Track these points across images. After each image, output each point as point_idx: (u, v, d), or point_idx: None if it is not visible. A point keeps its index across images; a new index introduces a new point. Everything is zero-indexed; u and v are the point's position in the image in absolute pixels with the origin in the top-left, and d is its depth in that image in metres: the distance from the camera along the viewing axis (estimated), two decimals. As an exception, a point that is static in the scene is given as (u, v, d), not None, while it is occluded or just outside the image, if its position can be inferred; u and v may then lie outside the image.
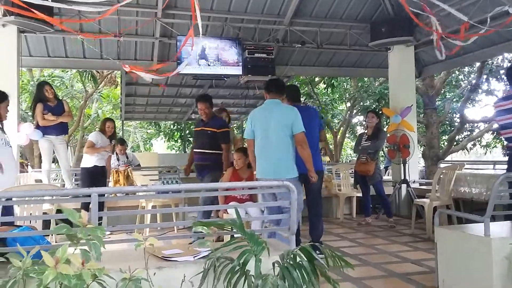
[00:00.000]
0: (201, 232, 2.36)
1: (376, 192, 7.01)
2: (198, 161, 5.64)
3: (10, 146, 3.78)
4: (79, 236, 1.96)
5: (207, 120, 5.60)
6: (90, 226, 2.00)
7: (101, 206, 5.19)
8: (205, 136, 5.55)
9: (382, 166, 9.49)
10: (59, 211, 5.56)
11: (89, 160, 6.24)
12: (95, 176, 6.18)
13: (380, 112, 9.93)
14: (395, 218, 7.29)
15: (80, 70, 13.09)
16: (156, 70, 7.23)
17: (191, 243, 3.10)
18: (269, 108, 4.35)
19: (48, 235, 3.66)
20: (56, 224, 5.16)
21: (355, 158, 7.71)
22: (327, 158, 13.98)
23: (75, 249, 1.94)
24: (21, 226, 2.52)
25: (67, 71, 15.41)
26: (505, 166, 10.79)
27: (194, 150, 5.73)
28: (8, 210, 2.95)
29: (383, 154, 8.79)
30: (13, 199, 2.84)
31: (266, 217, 4.67)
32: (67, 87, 16.23)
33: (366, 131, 7.27)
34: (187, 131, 18.86)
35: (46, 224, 4.61)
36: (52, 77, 15.28)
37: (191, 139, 19.23)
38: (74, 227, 2.02)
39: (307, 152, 4.25)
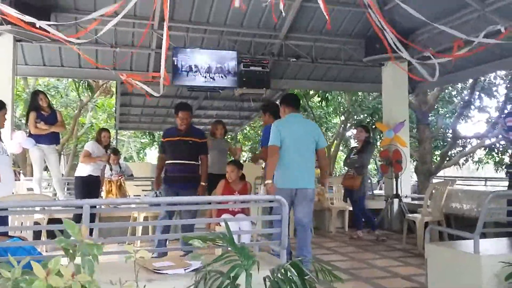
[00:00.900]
0: (192, 245, 2.37)
1: (358, 206, 7.06)
2: (176, 172, 5.21)
3: (8, 155, 3.78)
4: (77, 252, 1.95)
5: (185, 129, 5.28)
6: (88, 242, 1.98)
7: (92, 217, 5.19)
8: (185, 147, 5.23)
9: (375, 180, 9.53)
10: (50, 220, 5.54)
11: (84, 169, 6.24)
12: (89, 185, 6.18)
13: (374, 127, 10.00)
14: (386, 232, 7.31)
15: (76, 79, 13.11)
16: (153, 78, 7.22)
17: (183, 255, 3.11)
18: (297, 121, 4.66)
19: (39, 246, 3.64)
20: (52, 234, 5.11)
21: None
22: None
23: (68, 263, 1.94)
24: (13, 236, 2.52)
25: (63, 80, 15.42)
26: (496, 183, 10.89)
27: (171, 161, 5.26)
28: (2, 220, 2.94)
29: (376, 168, 8.84)
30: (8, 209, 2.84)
31: (258, 231, 4.69)
32: (62, 96, 16.22)
33: (355, 146, 7.33)
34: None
35: (37, 234, 4.59)
36: (47, 86, 15.27)
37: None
38: (66, 236, 2.01)
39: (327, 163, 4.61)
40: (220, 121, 7.00)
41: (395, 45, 5.96)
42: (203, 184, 5.29)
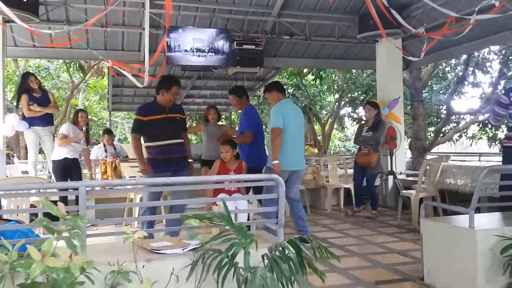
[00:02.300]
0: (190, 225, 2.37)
1: (368, 183, 7.03)
2: (168, 154, 4.63)
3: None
4: (62, 227, 1.95)
5: (169, 106, 4.71)
6: (69, 217, 1.99)
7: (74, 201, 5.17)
8: (175, 124, 4.73)
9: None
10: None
11: (60, 153, 6.18)
12: (67, 168, 6.15)
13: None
14: (381, 209, 7.38)
15: (67, 60, 12.96)
16: (139, 70, 7.05)
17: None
18: (292, 106, 5.06)
19: (37, 228, 3.64)
20: (49, 216, 5.11)
21: (343, 149, 7.73)
22: (315, 150, 14.05)
23: (57, 242, 1.93)
24: (10, 220, 2.51)
25: (53, 62, 15.24)
26: (490, 158, 10.96)
27: (160, 143, 4.64)
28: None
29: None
30: (0, 192, 2.82)
31: (255, 209, 4.71)
32: (53, 77, 16.06)
33: (364, 122, 7.27)
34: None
35: (35, 217, 4.58)
36: (38, 67, 15.09)
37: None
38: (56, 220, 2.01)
39: None
40: (213, 106, 6.93)
41: (392, 16, 5.89)
42: (191, 162, 5.06)
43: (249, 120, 5.64)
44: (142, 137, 4.78)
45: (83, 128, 6.40)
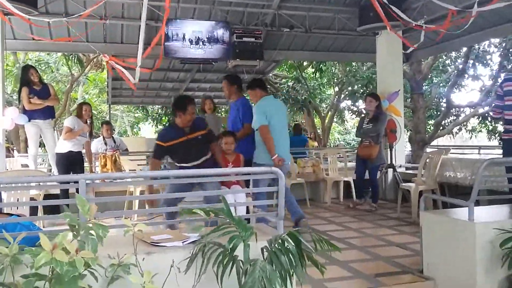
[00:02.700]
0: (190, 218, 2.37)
1: (370, 176, 7.01)
2: None
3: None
4: (83, 230, 1.94)
5: (189, 126, 4.62)
6: (95, 222, 1.98)
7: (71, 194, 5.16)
8: (196, 144, 4.64)
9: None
10: (46, 196, 5.54)
11: (64, 146, 6.17)
12: (70, 161, 6.14)
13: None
14: (381, 202, 7.38)
15: (66, 53, 12.92)
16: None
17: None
18: (274, 102, 5.32)
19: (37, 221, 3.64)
20: (49, 209, 5.12)
21: (343, 142, 7.72)
22: (315, 143, 14.04)
23: (73, 239, 1.93)
24: (11, 214, 2.51)
25: (52, 55, 15.20)
26: (490, 151, 10.96)
27: (186, 164, 4.65)
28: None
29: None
30: (1, 185, 2.82)
31: (254, 202, 4.71)
32: (52, 71, 16.02)
33: (364, 115, 7.25)
34: (175, 116, 18.70)
35: (34, 210, 4.59)
36: (38, 61, 15.06)
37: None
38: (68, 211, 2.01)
39: None
40: (208, 96, 6.99)
41: (391, 9, 5.87)
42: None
43: (248, 111, 5.57)
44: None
45: (88, 121, 6.38)
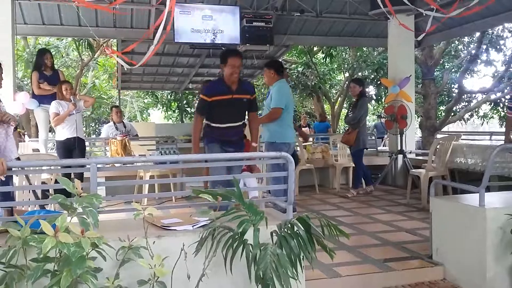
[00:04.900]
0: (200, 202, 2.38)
1: (353, 161, 7.05)
2: (224, 136, 4.43)
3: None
4: (76, 205, 1.99)
5: (236, 84, 4.35)
6: (85, 195, 2.02)
7: (81, 178, 5.18)
8: (240, 107, 4.44)
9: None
10: (57, 181, 5.57)
11: (61, 133, 6.07)
12: (69, 149, 6.08)
13: (379, 82, 9.86)
14: (391, 188, 7.36)
15: (76, 38, 12.93)
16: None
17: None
18: (288, 86, 5.45)
19: (47, 205, 3.69)
20: (60, 193, 5.16)
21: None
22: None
23: (71, 218, 1.97)
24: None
25: (63, 40, 15.21)
26: (501, 137, 10.85)
27: (220, 125, 4.40)
28: (7, 180, 2.96)
29: (381, 124, 8.74)
30: (13, 169, 2.85)
31: (264, 187, 4.72)
32: (62, 56, 16.05)
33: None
34: (184, 101, 18.73)
35: (45, 194, 4.63)
36: (48, 45, 15.08)
37: (188, 109, 19.16)
38: (72, 197, 2.04)
39: None
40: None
41: None
42: (255, 145, 4.64)
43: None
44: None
45: (72, 100, 6.00)
